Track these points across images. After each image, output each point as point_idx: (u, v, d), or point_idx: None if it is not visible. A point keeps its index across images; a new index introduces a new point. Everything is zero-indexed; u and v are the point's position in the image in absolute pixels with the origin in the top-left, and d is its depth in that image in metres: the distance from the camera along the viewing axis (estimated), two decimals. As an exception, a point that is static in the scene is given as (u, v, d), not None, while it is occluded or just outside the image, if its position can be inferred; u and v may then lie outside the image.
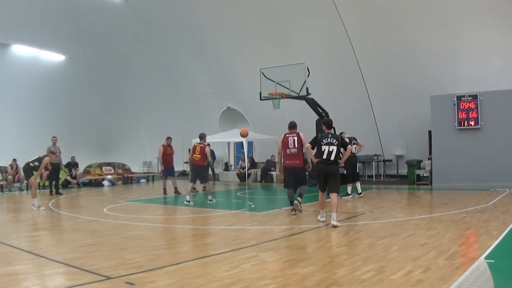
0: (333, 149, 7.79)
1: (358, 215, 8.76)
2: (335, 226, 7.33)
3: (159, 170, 14.27)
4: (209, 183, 11.56)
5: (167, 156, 13.89)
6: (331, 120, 8.58)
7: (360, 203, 10.63)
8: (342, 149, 8.08)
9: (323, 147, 7.84)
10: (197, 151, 11.28)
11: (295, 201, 8.77)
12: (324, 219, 8.01)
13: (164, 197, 13.41)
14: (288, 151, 8.85)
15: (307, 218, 8.66)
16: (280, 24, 18.34)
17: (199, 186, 15.23)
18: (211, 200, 11.27)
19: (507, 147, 13.81)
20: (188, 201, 11.00)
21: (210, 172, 19.02)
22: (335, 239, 6.45)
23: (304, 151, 8.84)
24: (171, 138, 14.24)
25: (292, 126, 9.12)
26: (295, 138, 8.84)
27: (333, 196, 7.71)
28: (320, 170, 7.93)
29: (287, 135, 8.94)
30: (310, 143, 8.14)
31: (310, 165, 9.43)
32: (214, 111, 23.42)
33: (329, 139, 7.88)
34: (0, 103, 20.39)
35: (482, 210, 8.72)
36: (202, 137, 11.69)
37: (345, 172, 11.83)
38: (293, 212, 8.85)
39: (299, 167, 8.91)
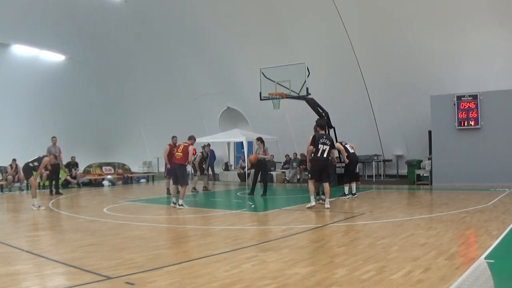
0: (326, 148, 9.56)
1: (358, 215, 8.76)
2: (327, 208, 9.42)
3: (165, 169, 14.04)
4: (185, 188, 10.66)
5: (173, 155, 13.71)
6: (325, 121, 9.72)
7: (360, 203, 10.62)
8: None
9: (320, 146, 9.52)
10: (180, 150, 10.63)
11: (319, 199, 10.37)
12: (314, 203, 9.64)
13: (167, 196, 13.39)
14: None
15: (307, 218, 8.67)
16: (280, 24, 18.34)
17: (199, 186, 15.27)
18: (182, 205, 10.28)
19: (507, 147, 13.81)
20: (175, 203, 10.49)
21: (210, 172, 19.04)
22: (335, 239, 6.45)
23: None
24: (176, 137, 13.67)
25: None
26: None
27: (326, 184, 9.75)
28: (316, 165, 9.64)
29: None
30: (311, 143, 9.61)
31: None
32: (214, 111, 23.42)
33: (324, 139, 9.62)
34: (0, 103, 20.39)
35: (482, 210, 8.72)
36: (190, 138, 11.14)
37: (343, 172, 11.80)
38: (319, 201, 10.37)
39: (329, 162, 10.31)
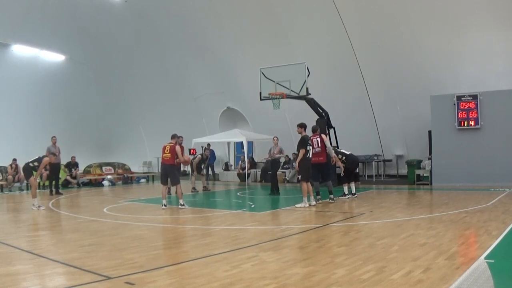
0: (310, 148, 10.22)
1: (358, 215, 8.76)
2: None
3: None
4: (180, 186, 10.58)
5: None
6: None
7: (360, 203, 10.62)
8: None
9: (308, 147, 10.13)
10: (167, 150, 10.46)
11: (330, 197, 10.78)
12: (307, 204, 9.93)
13: (168, 196, 13.38)
14: (313, 150, 10.43)
15: (307, 218, 8.67)
16: (280, 24, 18.34)
17: (199, 186, 15.27)
18: (183, 205, 10.29)
19: (507, 147, 13.80)
20: (165, 205, 10.31)
21: (210, 172, 19.04)
22: (335, 239, 6.45)
23: (327, 149, 10.91)
24: (182, 137, 12.99)
25: (315, 129, 10.94)
26: (319, 139, 10.65)
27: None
28: (307, 165, 10.14)
29: (311, 137, 10.56)
30: (303, 146, 10.05)
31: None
32: (214, 111, 23.41)
33: (309, 141, 10.25)
34: (0, 103, 20.39)
35: (482, 210, 8.72)
36: (173, 137, 10.99)
37: (342, 174, 11.74)
38: (319, 201, 10.62)
39: (324, 163, 10.71)
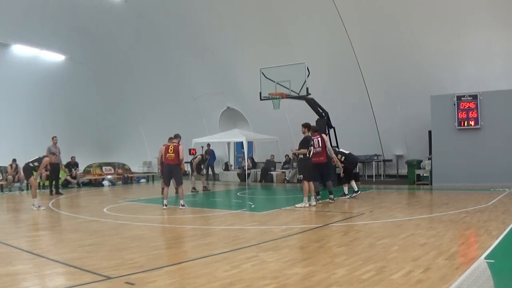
0: (311, 149, 10.20)
1: (358, 215, 8.76)
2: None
3: (159, 170, 13.90)
4: (182, 187, 10.48)
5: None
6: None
7: (360, 203, 10.62)
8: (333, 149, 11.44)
9: (310, 147, 10.10)
10: (171, 150, 10.29)
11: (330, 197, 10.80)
12: (307, 204, 9.94)
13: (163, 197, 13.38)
14: (314, 150, 10.39)
15: (307, 218, 8.67)
16: (280, 24, 18.34)
17: (199, 186, 15.27)
18: (183, 206, 10.23)
19: (507, 147, 13.80)
20: (166, 205, 10.20)
21: (210, 172, 19.03)
22: (335, 239, 6.45)
23: (327, 150, 10.89)
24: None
25: (316, 130, 10.94)
26: (319, 139, 10.65)
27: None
28: (310, 165, 10.12)
29: (312, 137, 10.52)
30: (305, 146, 10.01)
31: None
32: (214, 111, 23.42)
33: (311, 141, 10.27)
34: (0, 103, 20.39)
35: (482, 210, 8.72)
36: (176, 136, 10.81)
37: (341, 174, 11.74)
38: (319, 201, 10.62)
39: (324, 163, 10.72)
